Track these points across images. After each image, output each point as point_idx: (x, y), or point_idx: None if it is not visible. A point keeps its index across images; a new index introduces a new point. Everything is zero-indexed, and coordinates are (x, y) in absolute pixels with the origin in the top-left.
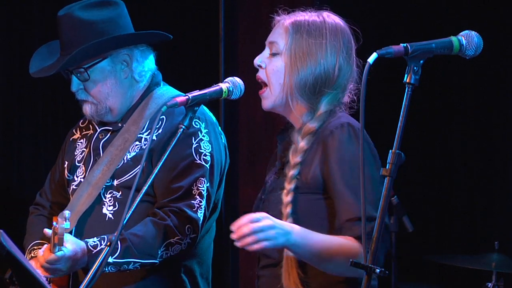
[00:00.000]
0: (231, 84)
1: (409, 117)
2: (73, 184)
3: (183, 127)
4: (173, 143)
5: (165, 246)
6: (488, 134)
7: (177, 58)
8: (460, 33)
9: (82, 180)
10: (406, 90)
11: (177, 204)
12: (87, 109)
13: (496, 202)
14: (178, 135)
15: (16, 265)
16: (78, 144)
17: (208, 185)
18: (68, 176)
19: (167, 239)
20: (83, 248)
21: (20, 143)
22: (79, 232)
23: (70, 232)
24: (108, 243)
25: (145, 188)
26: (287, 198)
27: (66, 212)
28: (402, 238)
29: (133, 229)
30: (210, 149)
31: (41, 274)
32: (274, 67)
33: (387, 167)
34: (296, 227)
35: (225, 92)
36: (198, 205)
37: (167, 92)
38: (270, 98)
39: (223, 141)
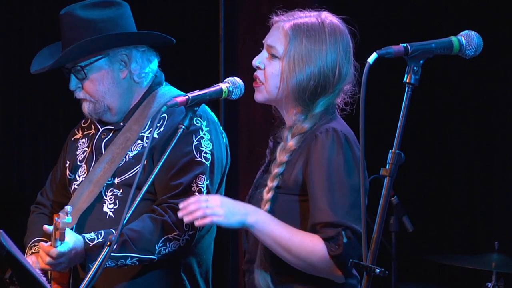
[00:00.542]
0: (231, 84)
1: (409, 117)
2: (74, 184)
3: (183, 127)
4: (173, 142)
5: (163, 241)
6: (488, 134)
7: (177, 58)
8: (460, 33)
9: (84, 179)
10: (406, 90)
11: (176, 200)
12: (86, 107)
13: (496, 202)
14: (178, 135)
15: (16, 265)
16: (80, 144)
17: (208, 182)
18: (69, 175)
19: (165, 235)
20: (81, 242)
21: (20, 143)
22: (80, 229)
23: (71, 229)
24: (108, 243)
25: (146, 186)
26: (267, 195)
27: (68, 207)
28: (402, 238)
29: (130, 225)
30: (210, 147)
31: (41, 274)
32: (273, 70)
33: (387, 167)
34: (262, 212)
35: (225, 92)
36: None
37: (169, 92)
38: (263, 94)
39: (225, 140)
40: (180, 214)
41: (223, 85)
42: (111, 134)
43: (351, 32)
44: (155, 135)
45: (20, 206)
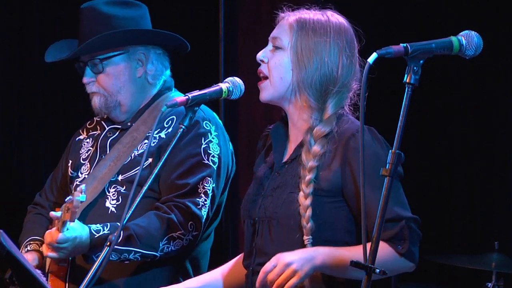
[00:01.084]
0: (231, 84)
1: (409, 117)
2: (77, 180)
3: (183, 127)
4: (173, 142)
5: (167, 239)
6: (488, 134)
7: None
8: (460, 33)
9: (86, 176)
10: (406, 90)
11: (182, 199)
12: (96, 101)
13: (496, 202)
14: (178, 135)
15: (16, 265)
16: (84, 144)
17: (214, 185)
18: (71, 173)
19: (170, 233)
20: (87, 232)
21: (20, 143)
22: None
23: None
24: (108, 243)
25: (147, 183)
26: (306, 201)
27: (83, 186)
28: None
29: (136, 220)
30: (218, 151)
31: (41, 274)
32: (276, 60)
33: (387, 167)
34: (320, 249)
35: (225, 92)
36: (203, 203)
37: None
38: (269, 90)
39: (231, 148)
40: None
41: (223, 85)
42: (117, 133)
43: (357, 33)
44: (163, 135)
45: (20, 206)
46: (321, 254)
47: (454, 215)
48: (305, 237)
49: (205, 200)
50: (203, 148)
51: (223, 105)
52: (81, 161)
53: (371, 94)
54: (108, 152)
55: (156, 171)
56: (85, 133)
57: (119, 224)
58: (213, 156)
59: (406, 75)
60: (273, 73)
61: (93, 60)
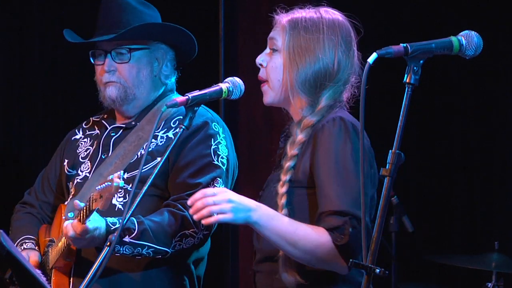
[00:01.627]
0: (231, 84)
1: (409, 117)
2: (77, 178)
3: (183, 127)
4: (173, 142)
5: (180, 236)
6: (488, 134)
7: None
8: (460, 33)
9: (87, 174)
10: (406, 90)
11: None
12: (114, 91)
13: (496, 202)
14: (178, 135)
15: (16, 265)
16: (81, 143)
17: (223, 186)
18: (68, 171)
19: (183, 230)
20: (104, 223)
21: (20, 143)
22: None
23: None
24: (108, 243)
25: (149, 181)
26: (282, 189)
27: (121, 172)
28: (402, 238)
29: (150, 216)
30: (226, 153)
31: (41, 274)
32: (273, 64)
33: (387, 167)
34: (264, 207)
35: (225, 92)
36: None
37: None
38: (269, 94)
39: (234, 153)
40: (191, 211)
41: (223, 85)
42: (120, 132)
43: (354, 26)
44: (170, 135)
45: None
46: (261, 212)
47: (454, 215)
48: None
49: None
50: (213, 149)
51: (223, 105)
52: (80, 159)
53: (371, 94)
54: (111, 150)
55: (155, 173)
56: (81, 133)
57: (134, 218)
58: (222, 158)
59: (406, 75)
60: (271, 77)
61: (119, 49)
